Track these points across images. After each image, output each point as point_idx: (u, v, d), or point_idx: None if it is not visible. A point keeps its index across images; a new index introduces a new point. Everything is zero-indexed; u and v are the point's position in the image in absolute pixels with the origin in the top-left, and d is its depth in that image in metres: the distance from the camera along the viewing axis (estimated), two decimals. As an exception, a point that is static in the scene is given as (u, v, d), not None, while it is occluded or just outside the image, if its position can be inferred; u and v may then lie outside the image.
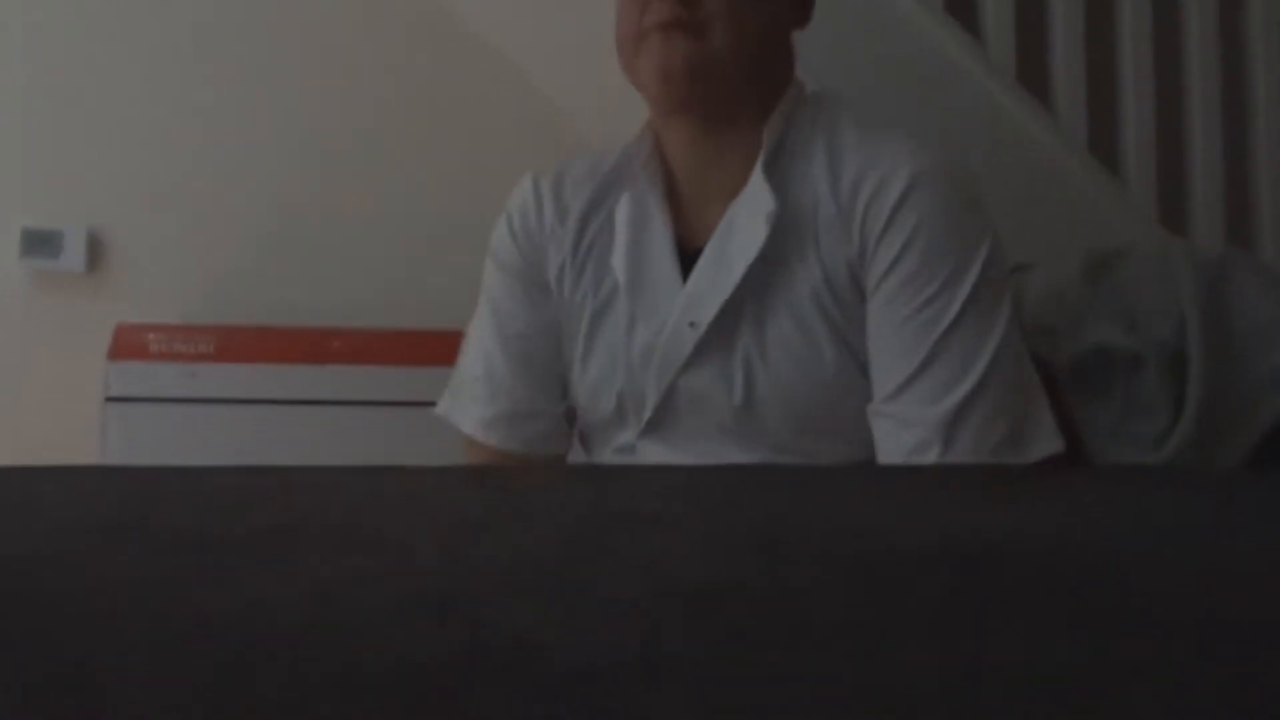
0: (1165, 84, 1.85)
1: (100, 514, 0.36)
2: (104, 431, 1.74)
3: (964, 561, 0.29)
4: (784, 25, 0.93)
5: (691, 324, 0.86)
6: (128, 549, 0.30)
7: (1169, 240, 1.30)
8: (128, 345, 1.79)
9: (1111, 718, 0.17)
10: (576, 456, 0.98)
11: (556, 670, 0.18)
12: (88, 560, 0.28)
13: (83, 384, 1.81)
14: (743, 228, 0.87)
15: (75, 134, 2.03)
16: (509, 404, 0.95)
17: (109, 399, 1.76)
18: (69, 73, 2.04)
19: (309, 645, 0.20)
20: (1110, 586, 0.27)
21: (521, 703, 0.16)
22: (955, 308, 0.80)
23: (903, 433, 0.79)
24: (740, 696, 0.17)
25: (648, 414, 0.87)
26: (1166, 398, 0.95)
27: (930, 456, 0.77)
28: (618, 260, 0.91)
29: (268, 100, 2.07)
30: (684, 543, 0.31)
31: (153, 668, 0.19)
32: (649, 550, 0.30)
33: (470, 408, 0.96)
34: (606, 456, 0.92)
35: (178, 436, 1.74)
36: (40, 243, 1.99)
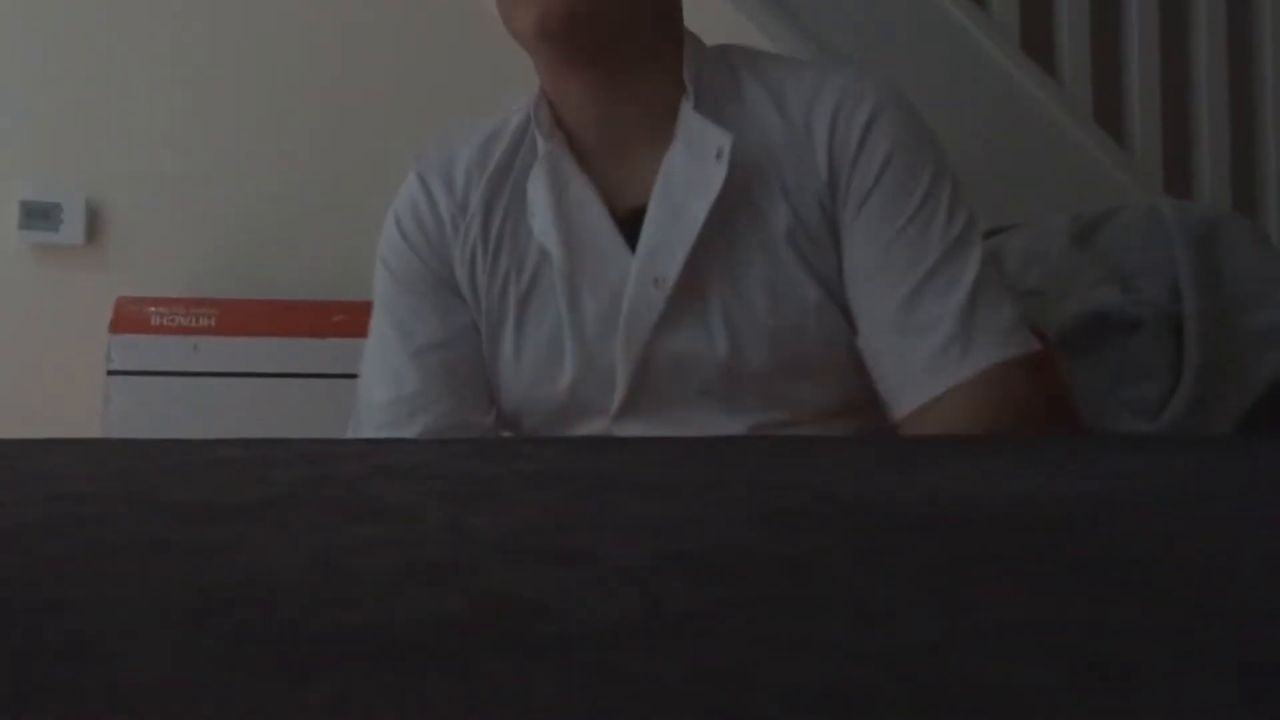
0: (1171, 53, 1.83)
1: (102, 484, 0.36)
2: (106, 404, 1.74)
3: (966, 526, 0.29)
4: None
5: (656, 281, 0.80)
6: (130, 518, 0.30)
7: (1156, 199, 1.29)
8: (129, 318, 1.79)
9: (1112, 676, 0.17)
10: None
11: (557, 633, 0.18)
12: (90, 529, 0.29)
13: (84, 357, 1.82)
14: (688, 172, 0.81)
15: (73, 106, 2.02)
16: (430, 421, 0.84)
17: (110, 372, 1.76)
18: (67, 45, 2.03)
19: (311, 611, 0.20)
20: (1116, 553, 0.27)
21: (522, 664, 0.16)
22: (940, 220, 0.79)
23: (919, 342, 0.77)
24: (741, 659, 0.17)
25: (621, 391, 0.81)
26: (1163, 361, 0.95)
27: (953, 356, 0.75)
28: (544, 232, 0.83)
29: (269, 70, 2.06)
30: (685, 509, 0.31)
31: (158, 635, 0.19)
32: (650, 517, 0.30)
33: (386, 431, 0.85)
34: None
35: (179, 409, 1.75)
36: (39, 215, 1.98)
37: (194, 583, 0.22)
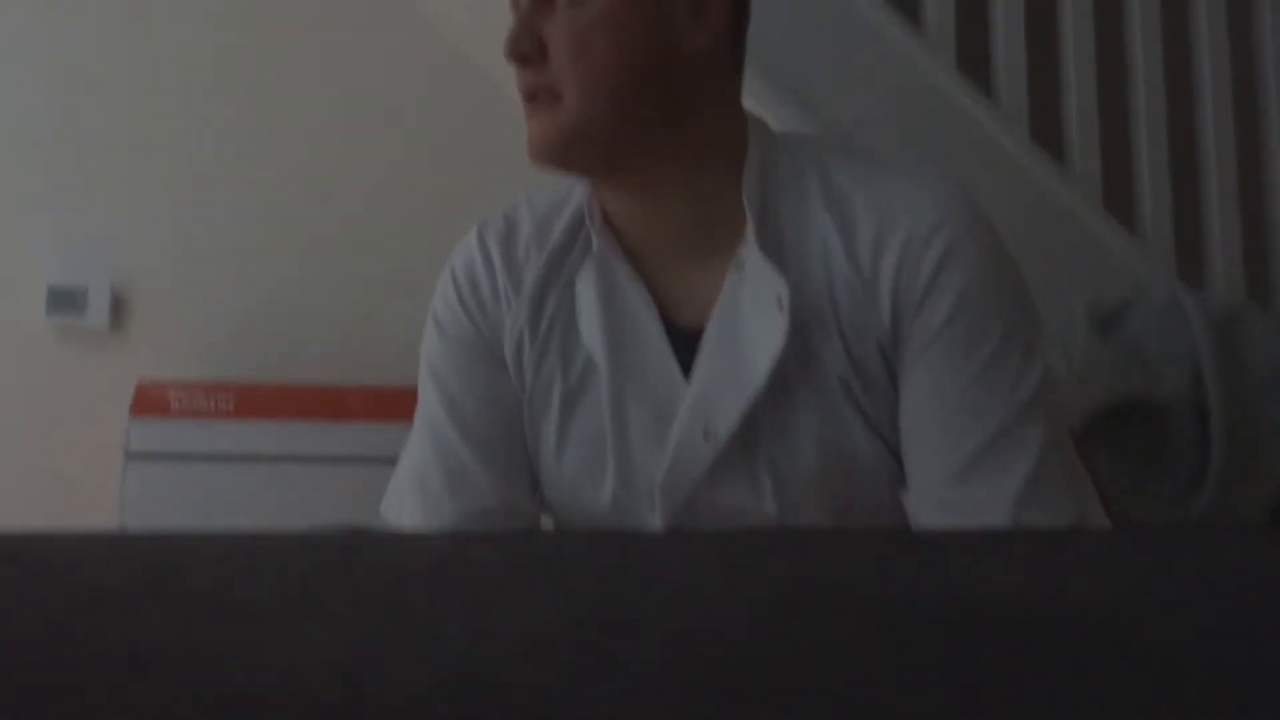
0: (1180, 139, 1.86)
1: (119, 580, 0.36)
2: (124, 488, 1.75)
3: (997, 630, 0.28)
4: (662, 51, 0.76)
5: (706, 433, 0.75)
6: (147, 619, 0.30)
7: (1177, 289, 1.30)
8: (149, 402, 1.80)
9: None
10: None
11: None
12: (107, 630, 0.28)
13: (105, 440, 1.83)
14: (752, 314, 0.76)
15: (99, 190, 2.07)
16: (476, 499, 0.80)
17: (129, 455, 1.77)
18: (91, 130, 2.09)
19: (333, 722, 0.20)
20: (1154, 659, 0.27)
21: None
22: (1006, 382, 0.72)
23: (964, 521, 0.71)
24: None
25: (660, 525, 0.76)
26: (1189, 449, 0.94)
27: None
28: (591, 337, 0.79)
29: (291, 158, 2.11)
30: (706, 608, 0.31)
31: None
32: (672, 616, 0.30)
33: (429, 506, 0.82)
34: None
35: (199, 494, 1.75)
36: (65, 299, 2.02)
37: (214, 689, 0.22)
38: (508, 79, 2.20)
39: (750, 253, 0.76)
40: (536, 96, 0.77)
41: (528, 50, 0.76)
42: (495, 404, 0.83)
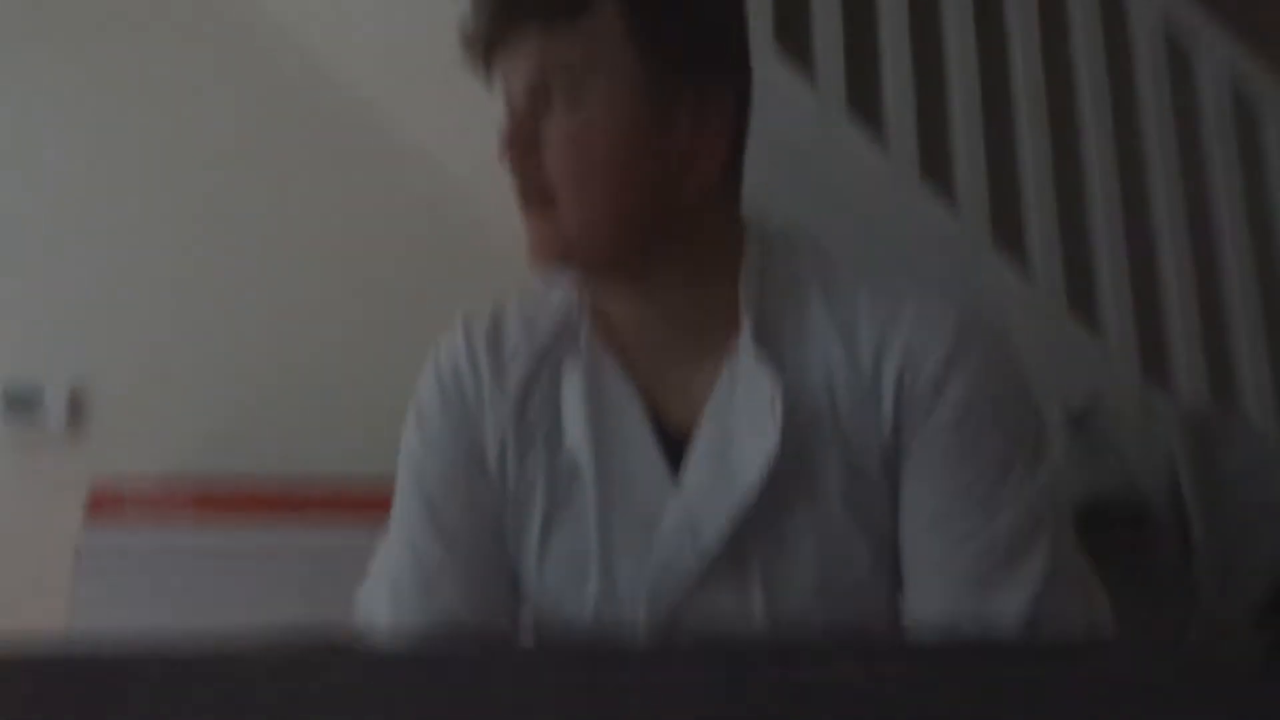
0: (1138, 243, 1.90)
1: (60, 708, 0.34)
2: (75, 592, 1.69)
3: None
4: (663, 163, 0.73)
5: (694, 541, 0.72)
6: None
7: (1148, 391, 1.31)
8: (104, 505, 1.75)
9: None
10: None
11: None
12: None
13: (58, 542, 1.77)
14: (743, 417, 0.72)
15: (57, 293, 2.05)
16: (448, 609, 0.76)
17: (81, 560, 1.71)
18: (49, 232, 2.07)
19: None
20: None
21: None
22: (1013, 488, 0.69)
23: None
24: None
25: (644, 639, 0.69)
26: (1168, 553, 0.93)
27: None
28: (576, 440, 0.75)
29: (249, 255, 2.11)
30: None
31: None
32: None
33: (401, 610, 0.77)
34: None
35: (152, 597, 1.69)
36: (21, 399, 1.98)
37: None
38: (471, 179, 2.20)
39: (746, 353, 0.73)
40: (531, 198, 0.74)
41: (521, 151, 0.73)
42: (475, 509, 0.79)
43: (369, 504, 1.77)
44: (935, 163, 1.84)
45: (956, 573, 0.69)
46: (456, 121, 2.00)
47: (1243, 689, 0.37)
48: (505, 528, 0.79)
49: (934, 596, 0.70)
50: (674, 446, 0.75)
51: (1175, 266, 1.90)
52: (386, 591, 0.79)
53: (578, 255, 0.74)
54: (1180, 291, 1.88)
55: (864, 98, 1.81)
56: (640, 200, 0.73)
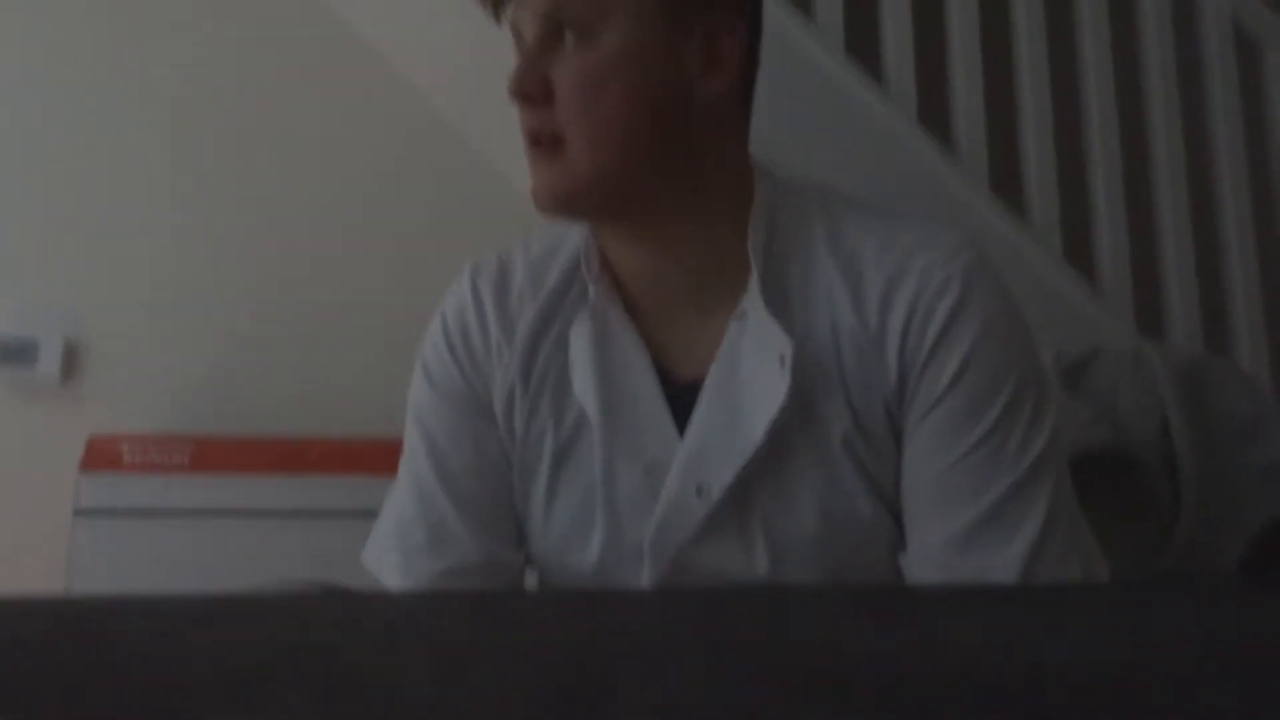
0: (1138, 192, 1.89)
1: (61, 655, 0.34)
2: (72, 544, 1.69)
3: (1000, 704, 0.27)
4: (679, 104, 0.73)
5: (699, 489, 0.72)
6: (90, 699, 0.28)
7: (1140, 341, 1.31)
8: (100, 456, 1.75)
9: None
10: None
11: None
12: (47, 713, 0.26)
13: (55, 495, 1.77)
14: (752, 368, 0.73)
15: (52, 241, 2.03)
16: (459, 556, 0.77)
17: (78, 511, 1.71)
18: (45, 183, 2.05)
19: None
20: (1121, 713, 0.25)
21: None
22: (1014, 443, 0.69)
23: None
24: None
25: (647, 584, 0.73)
26: (1159, 500, 0.94)
27: None
28: (583, 391, 0.76)
29: (245, 209, 2.09)
30: (690, 681, 0.29)
31: None
32: (653, 690, 0.28)
33: (410, 561, 0.78)
34: None
35: (150, 549, 1.70)
36: (15, 351, 1.97)
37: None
38: (472, 134, 2.18)
39: (754, 306, 0.73)
40: (541, 140, 0.73)
41: (532, 90, 0.72)
42: (483, 458, 0.79)
43: (366, 458, 1.78)
44: (934, 109, 1.82)
45: (957, 525, 0.69)
46: (452, 59, 1.98)
47: (1222, 599, 0.38)
48: (512, 476, 0.79)
49: (934, 549, 0.70)
50: (681, 397, 0.75)
51: (1173, 215, 1.89)
52: (396, 545, 0.80)
53: (587, 198, 0.73)
54: (1177, 241, 1.88)
55: (863, 41, 1.78)
56: (651, 140, 0.73)
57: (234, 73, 2.10)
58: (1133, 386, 0.97)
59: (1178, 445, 0.92)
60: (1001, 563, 0.68)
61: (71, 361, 1.99)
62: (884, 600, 0.43)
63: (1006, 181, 1.83)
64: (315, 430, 1.90)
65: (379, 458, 1.80)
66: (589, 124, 0.71)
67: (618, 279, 0.78)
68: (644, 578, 0.74)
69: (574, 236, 0.81)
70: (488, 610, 0.44)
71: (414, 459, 0.82)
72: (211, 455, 1.77)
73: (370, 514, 1.90)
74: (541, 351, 0.78)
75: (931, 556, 0.70)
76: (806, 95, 1.68)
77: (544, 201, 0.74)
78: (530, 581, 0.85)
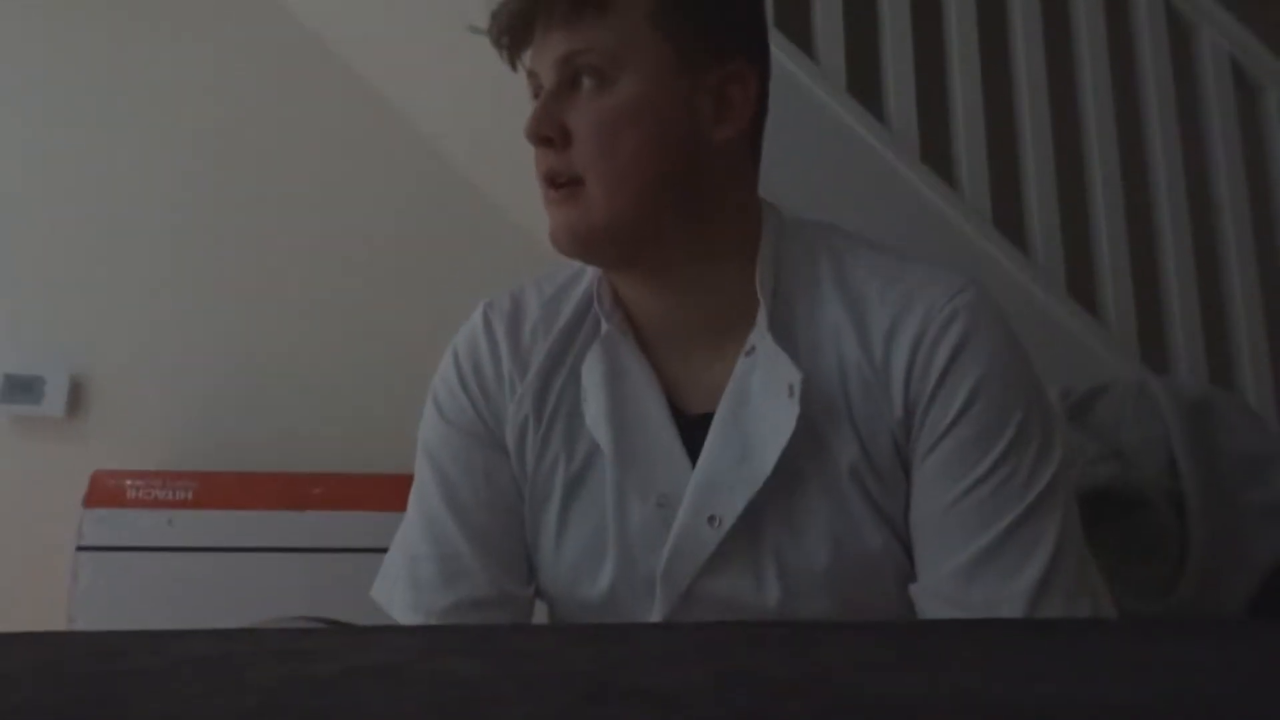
0: (1139, 225, 1.89)
1: (62, 693, 0.33)
2: (75, 579, 1.69)
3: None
4: (692, 151, 0.75)
5: (711, 519, 0.73)
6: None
7: (1146, 375, 1.31)
8: (104, 491, 1.75)
9: None
10: None
11: None
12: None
13: (58, 530, 1.77)
14: (762, 400, 0.74)
15: (58, 279, 2.04)
16: (470, 590, 0.77)
17: (81, 547, 1.71)
18: (51, 222, 2.07)
19: None
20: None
21: None
22: (1022, 475, 0.70)
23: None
24: None
25: (658, 617, 0.74)
26: (1167, 539, 0.93)
27: None
28: (596, 424, 0.77)
29: (250, 248, 2.11)
30: (700, 714, 0.29)
31: None
32: (658, 732, 0.28)
33: (421, 595, 0.79)
34: None
35: (152, 585, 1.69)
36: (21, 388, 1.97)
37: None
38: (477, 175, 2.19)
39: (762, 340, 0.75)
40: (557, 182, 0.74)
41: (549, 134, 0.74)
42: (494, 491, 0.80)
43: (369, 494, 1.78)
44: (935, 147, 1.83)
45: (964, 557, 0.70)
46: (457, 100, 2.00)
47: (1233, 637, 0.37)
48: (524, 509, 0.80)
49: (941, 581, 0.71)
50: (691, 430, 0.76)
51: (1175, 250, 1.89)
52: (407, 580, 0.80)
53: (604, 238, 0.75)
54: (1180, 275, 1.88)
55: (864, 80, 1.80)
56: (665, 185, 0.75)
57: (238, 115, 2.13)
58: (1138, 421, 0.97)
59: (1185, 483, 0.91)
60: (1008, 595, 0.68)
61: (76, 398, 1.99)
62: (894, 635, 0.43)
63: (1009, 218, 1.84)
64: (318, 466, 1.89)
65: (382, 494, 1.81)
66: (606, 168, 0.73)
67: (630, 315, 0.80)
68: (655, 609, 0.75)
69: (587, 274, 0.83)
70: (485, 646, 0.44)
71: (425, 493, 0.82)
72: (215, 491, 1.77)
73: (372, 550, 1.89)
74: (555, 385, 0.80)
75: (939, 588, 0.71)
76: (810, 135, 1.70)
77: (562, 242, 0.75)
78: (539, 615, 0.85)
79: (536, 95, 0.76)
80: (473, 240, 2.09)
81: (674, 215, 0.75)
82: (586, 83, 0.74)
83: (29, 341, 2.00)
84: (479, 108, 1.89)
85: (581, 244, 0.75)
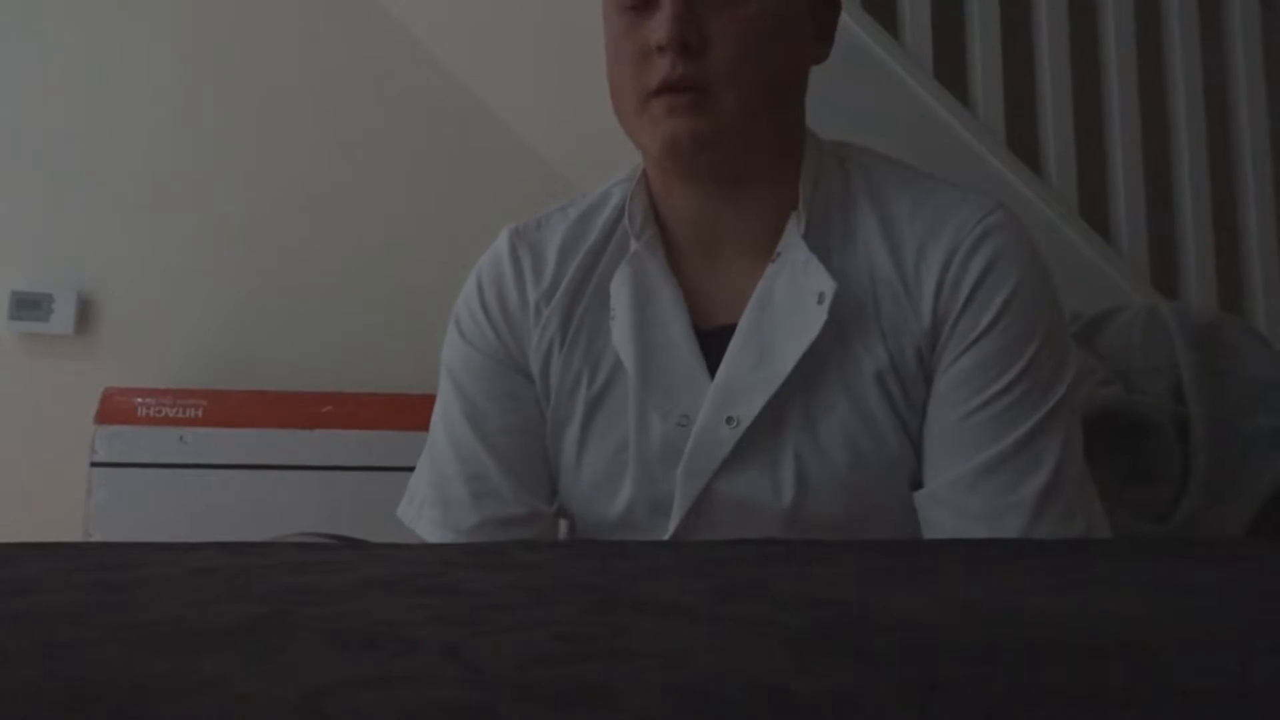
0: (1154, 151, 1.87)
1: (75, 600, 0.34)
2: (89, 496, 1.71)
3: (1012, 653, 0.27)
4: (801, 66, 0.79)
5: (729, 420, 0.75)
6: (104, 645, 0.28)
7: (1156, 301, 1.30)
8: (115, 409, 1.76)
9: None
10: None
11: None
12: (60, 657, 0.26)
13: (70, 447, 1.79)
14: (786, 306, 0.76)
15: (66, 198, 2.03)
16: (498, 508, 0.79)
17: (94, 464, 1.73)
18: (59, 137, 2.05)
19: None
20: (1164, 680, 0.25)
21: None
22: (1035, 394, 0.72)
23: (971, 529, 0.71)
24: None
25: (675, 523, 0.75)
26: (1170, 462, 0.93)
27: None
28: (621, 342, 0.78)
29: (259, 164, 2.08)
30: (704, 632, 0.29)
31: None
32: (667, 642, 0.28)
33: (449, 513, 0.80)
34: None
35: (165, 501, 1.72)
36: (30, 305, 1.97)
37: (171, 725, 0.20)
38: (489, 97, 2.15)
39: (796, 249, 0.76)
40: (684, 89, 0.73)
41: (693, 40, 0.73)
42: (520, 415, 0.81)
43: (379, 413, 1.79)
44: (950, 67, 1.79)
45: (970, 466, 0.72)
46: (469, 21, 1.95)
47: (1233, 557, 0.38)
48: (547, 428, 0.81)
49: (945, 487, 0.73)
50: (715, 341, 0.78)
51: (1191, 174, 1.86)
52: (435, 499, 0.82)
53: (727, 146, 0.75)
54: (1195, 201, 1.85)
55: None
56: (786, 97, 0.78)
57: (248, 34, 2.09)
58: (1146, 346, 0.97)
59: (1191, 407, 0.91)
60: (1007, 506, 0.71)
61: (86, 316, 2.00)
62: (897, 551, 0.43)
63: (1023, 139, 1.81)
64: (328, 385, 1.90)
65: (391, 412, 1.82)
66: (745, 78, 0.74)
67: (665, 228, 0.81)
68: (673, 512, 0.76)
69: (614, 195, 0.84)
70: (496, 559, 0.44)
71: (449, 415, 0.83)
72: (225, 409, 1.78)
73: (382, 469, 1.92)
74: (580, 305, 0.81)
75: (942, 494, 0.73)
76: (894, 116, 1.67)
77: (685, 149, 0.75)
78: (562, 531, 0.86)
79: (634, 3, 0.75)
80: (485, 165, 2.07)
81: (781, 124, 0.78)
82: None
83: (37, 259, 1.99)
84: (488, 27, 1.85)
85: (705, 148, 0.75)
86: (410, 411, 1.77)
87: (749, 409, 0.74)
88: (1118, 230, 1.81)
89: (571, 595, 0.34)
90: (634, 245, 0.80)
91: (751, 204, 0.79)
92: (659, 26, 0.73)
